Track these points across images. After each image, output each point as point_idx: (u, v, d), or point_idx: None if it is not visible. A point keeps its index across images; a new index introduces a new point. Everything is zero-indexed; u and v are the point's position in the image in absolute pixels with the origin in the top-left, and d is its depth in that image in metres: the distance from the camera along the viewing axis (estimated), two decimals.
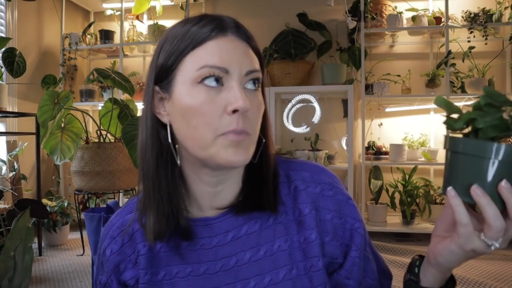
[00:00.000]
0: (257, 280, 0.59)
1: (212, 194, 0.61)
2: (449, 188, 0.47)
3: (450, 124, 0.48)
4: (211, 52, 0.53)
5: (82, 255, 2.59)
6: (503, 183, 0.44)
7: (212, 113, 0.52)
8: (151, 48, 3.52)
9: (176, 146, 0.58)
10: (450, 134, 0.48)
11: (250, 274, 0.59)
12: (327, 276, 0.61)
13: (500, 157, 0.44)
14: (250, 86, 0.55)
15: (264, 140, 0.59)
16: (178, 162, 0.58)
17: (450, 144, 0.48)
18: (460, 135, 0.48)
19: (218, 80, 0.53)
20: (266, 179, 0.60)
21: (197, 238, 0.61)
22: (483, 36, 2.85)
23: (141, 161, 0.59)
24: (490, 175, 0.45)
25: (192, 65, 0.53)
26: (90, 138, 2.45)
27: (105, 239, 0.66)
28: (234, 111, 0.52)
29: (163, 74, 0.56)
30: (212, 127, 0.52)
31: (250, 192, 0.61)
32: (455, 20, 2.95)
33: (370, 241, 0.67)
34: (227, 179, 0.60)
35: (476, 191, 0.45)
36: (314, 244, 0.59)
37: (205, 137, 0.53)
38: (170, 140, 0.57)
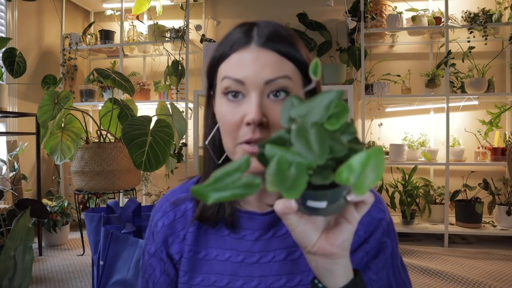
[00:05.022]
0: (288, 278, 0.63)
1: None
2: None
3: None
4: (230, 65, 0.57)
5: (82, 255, 2.59)
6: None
7: (233, 123, 0.57)
8: (151, 48, 3.52)
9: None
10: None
11: (283, 271, 0.63)
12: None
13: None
14: (272, 97, 0.56)
15: None
16: (219, 161, 0.62)
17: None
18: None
19: (236, 94, 0.57)
20: None
21: (240, 228, 0.65)
22: (483, 36, 2.85)
23: (204, 151, 0.66)
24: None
25: (219, 76, 0.59)
26: (90, 138, 2.45)
27: (158, 211, 0.70)
28: (248, 123, 0.55)
29: (210, 82, 0.63)
30: (232, 136, 0.57)
31: None
32: (455, 20, 2.95)
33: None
34: None
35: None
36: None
37: (229, 144, 0.59)
38: (206, 142, 0.63)
